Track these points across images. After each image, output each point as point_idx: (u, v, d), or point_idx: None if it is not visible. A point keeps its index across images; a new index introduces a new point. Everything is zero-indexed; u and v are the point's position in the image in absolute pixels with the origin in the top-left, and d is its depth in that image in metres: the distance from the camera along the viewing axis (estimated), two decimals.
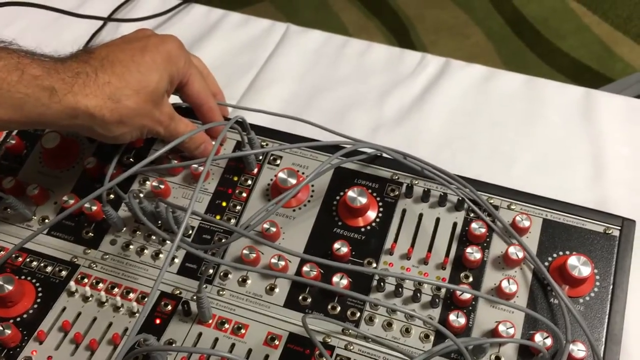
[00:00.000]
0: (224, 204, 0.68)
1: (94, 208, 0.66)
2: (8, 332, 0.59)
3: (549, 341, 0.57)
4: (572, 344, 0.57)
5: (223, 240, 0.65)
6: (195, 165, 0.67)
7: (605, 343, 0.59)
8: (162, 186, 0.67)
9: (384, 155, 0.68)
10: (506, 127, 0.81)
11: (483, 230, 0.63)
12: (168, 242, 0.66)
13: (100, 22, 0.91)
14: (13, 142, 0.71)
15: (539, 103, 0.83)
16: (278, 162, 0.70)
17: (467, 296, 0.59)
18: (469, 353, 0.53)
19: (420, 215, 0.66)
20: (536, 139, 0.80)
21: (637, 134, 0.79)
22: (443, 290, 0.61)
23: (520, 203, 0.66)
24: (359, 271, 0.60)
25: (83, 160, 0.70)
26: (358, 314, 0.61)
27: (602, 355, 0.58)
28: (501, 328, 0.58)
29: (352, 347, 0.59)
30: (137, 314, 0.61)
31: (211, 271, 0.64)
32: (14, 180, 0.69)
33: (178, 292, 0.63)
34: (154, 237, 0.66)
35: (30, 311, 0.62)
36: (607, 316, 0.60)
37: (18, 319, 0.61)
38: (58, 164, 0.71)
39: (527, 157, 0.78)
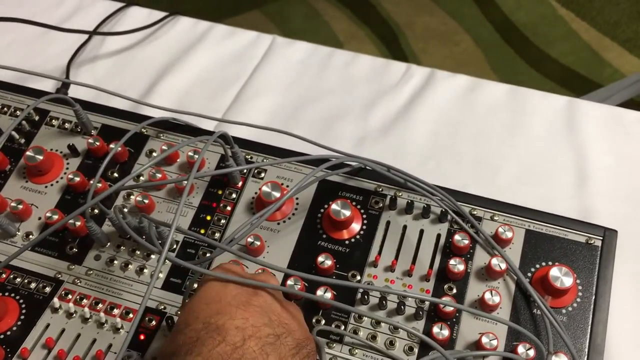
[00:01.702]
0: (208, 217, 0.68)
1: (78, 224, 0.66)
2: None
3: (532, 352, 0.57)
4: (555, 355, 0.57)
5: (208, 255, 0.65)
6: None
7: (588, 353, 0.59)
8: (146, 201, 0.67)
9: (368, 167, 0.68)
10: (491, 137, 0.81)
11: (466, 241, 0.63)
12: (152, 257, 0.66)
13: (86, 36, 0.91)
14: None
15: (523, 113, 0.83)
16: (262, 175, 0.70)
17: (450, 308, 0.60)
18: None
19: (404, 227, 0.66)
20: (520, 149, 0.80)
21: (620, 143, 0.79)
22: (427, 303, 0.62)
23: (503, 214, 0.66)
24: (343, 285, 0.61)
25: (67, 175, 0.70)
26: (342, 327, 0.61)
27: None
28: (484, 340, 0.58)
29: None
30: (121, 330, 0.61)
31: (195, 285, 0.64)
32: None
33: (162, 307, 0.63)
34: (138, 252, 0.66)
35: (14, 328, 0.62)
36: (589, 326, 0.60)
37: (1, 336, 0.61)
38: (42, 179, 0.71)
39: (511, 167, 0.79)
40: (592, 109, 0.83)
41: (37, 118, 0.75)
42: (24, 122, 0.74)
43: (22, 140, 0.74)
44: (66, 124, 0.75)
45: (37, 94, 0.76)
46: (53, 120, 0.75)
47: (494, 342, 0.58)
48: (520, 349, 0.57)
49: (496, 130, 0.82)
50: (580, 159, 0.78)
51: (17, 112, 0.76)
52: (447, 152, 0.81)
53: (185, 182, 0.66)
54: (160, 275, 0.65)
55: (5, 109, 0.76)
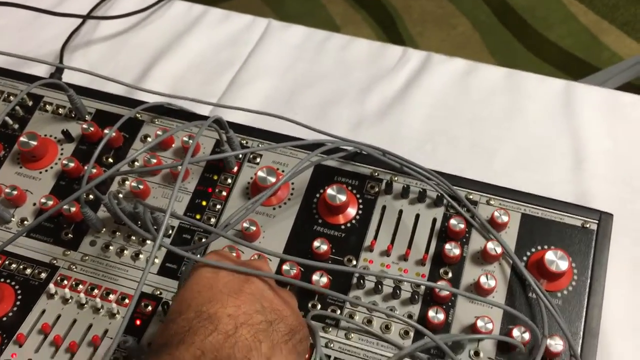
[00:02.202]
0: (204, 203, 0.68)
1: (73, 209, 0.65)
2: None
3: (527, 336, 0.57)
4: (550, 339, 0.57)
5: (203, 240, 0.65)
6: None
7: (583, 336, 0.59)
8: (141, 186, 0.67)
9: (364, 152, 0.68)
10: (487, 121, 0.81)
11: (462, 226, 0.63)
12: (148, 243, 0.66)
13: (79, 20, 0.90)
14: None
15: (520, 96, 0.82)
16: (258, 160, 0.70)
17: (446, 292, 0.60)
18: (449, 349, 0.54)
19: (400, 212, 0.66)
20: (517, 133, 0.80)
21: (617, 127, 0.79)
22: (422, 287, 0.62)
23: (499, 198, 0.66)
24: (339, 270, 0.61)
25: (61, 161, 0.70)
26: (338, 312, 0.61)
27: (579, 348, 0.58)
28: (480, 324, 0.58)
29: (332, 345, 0.60)
30: (117, 316, 0.61)
31: None
32: None
33: (158, 292, 0.63)
34: (133, 238, 0.66)
35: (10, 314, 0.62)
36: (584, 310, 0.60)
37: None
38: (36, 165, 0.71)
39: (508, 151, 0.78)
40: (590, 92, 0.82)
41: (30, 103, 0.75)
42: (17, 107, 0.74)
43: (16, 126, 0.73)
44: (60, 109, 0.74)
45: (31, 79, 0.76)
46: (47, 106, 0.75)
47: (489, 326, 0.58)
48: (515, 332, 0.57)
49: (493, 114, 0.81)
50: (577, 143, 0.78)
51: (11, 97, 0.75)
52: (443, 136, 0.80)
53: (180, 167, 0.66)
54: (156, 260, 0.65)
55: None
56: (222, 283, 0.50)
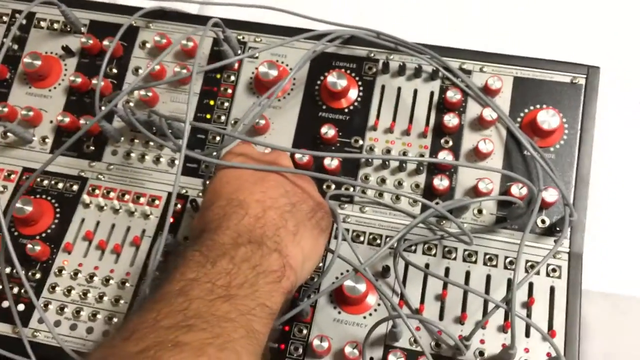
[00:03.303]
0: (211, 102, 0.71)
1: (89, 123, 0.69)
2: (38, 248, 0.65)
3: (524, 191, 0.63)
4: (545, 191, 0.63)
5: (217, 139, 0.69)
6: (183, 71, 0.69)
7: (575, 184, 0.65)
8: (150, 94, 0.70)
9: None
10: None
11: (458, 96, 0.66)
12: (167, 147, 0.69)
13: None
14: None
15: None
16: (257, 55, 0.72)
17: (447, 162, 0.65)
18: (452, 214, 0.59)
19: (399, 89, 0.69)
20: None
21: None
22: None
23: (492, 64, 0.69)
24: (346, 157, 0.65)
25: (68, 77, 0.72)
26: (351, 189, 0.67)
27: (572, 196, 0.64)
28: (481, 185, 0.64)
29: (349, 219, 0.66)
30: (150, 216, 0.67)
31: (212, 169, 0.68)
32: (7, 105, 0.71)
33: (184, 191, 0.68)
34: (152, 144, 0.70)
35: (53, 226, 0.67)
36: (576, 159, 0.66)
37: (44, 235, 0.67)
38: (44, 83, 0.73)
39: (499, 16, 0.80)
40: None
41: (24, 22, 0.75)
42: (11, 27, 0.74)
43: (16, 46, 0.75)
44: (55, 24, 0.75)
45: None
46: (41, 22, 0.75)
47: (490, 186, 0.64)
48: (514, 189, 0.63)
49: None
50: None
51: (4, 17, 0.76)
52: (434, 7, 0.82)
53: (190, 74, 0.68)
54: (177, 162, 0.69)
55: None
56: (247, 174, 0.55)
